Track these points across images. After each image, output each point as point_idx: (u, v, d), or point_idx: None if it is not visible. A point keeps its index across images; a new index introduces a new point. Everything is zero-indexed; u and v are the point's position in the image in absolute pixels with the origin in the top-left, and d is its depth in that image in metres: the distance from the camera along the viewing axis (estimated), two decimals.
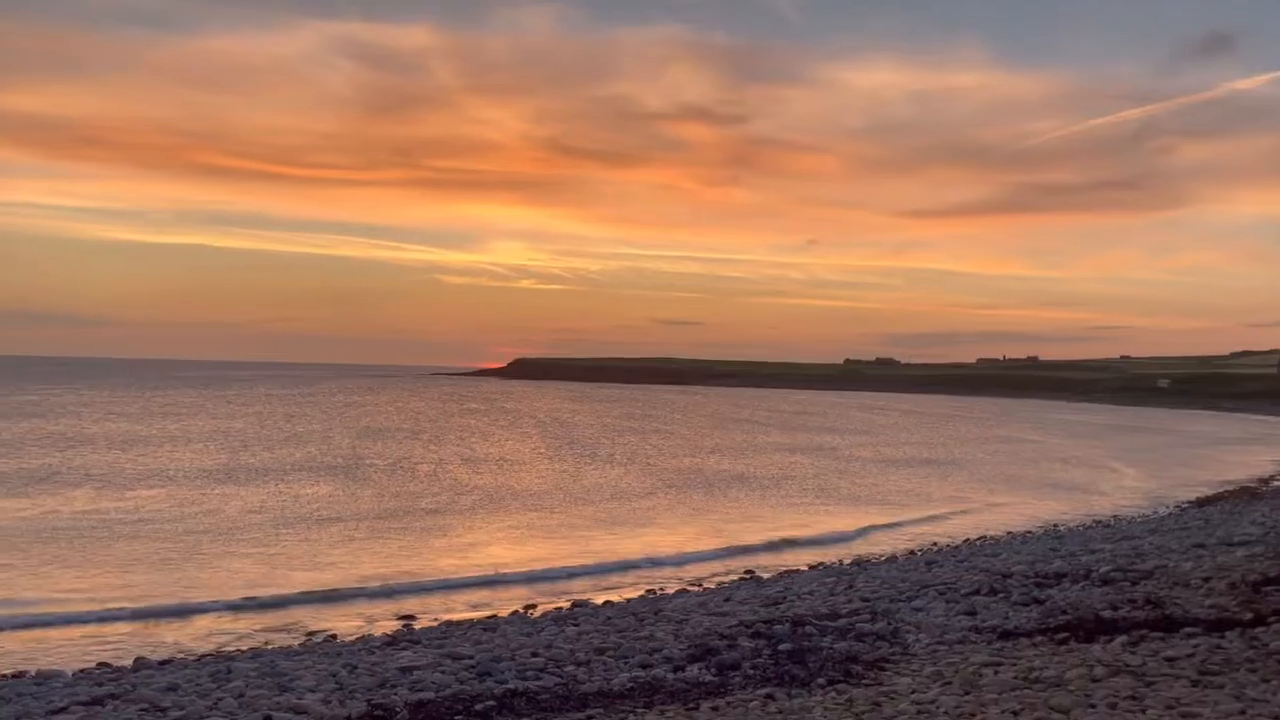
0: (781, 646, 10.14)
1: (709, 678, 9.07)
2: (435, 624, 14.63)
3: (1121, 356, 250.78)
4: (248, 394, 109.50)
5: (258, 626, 14.78)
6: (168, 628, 14.50)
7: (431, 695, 8.70)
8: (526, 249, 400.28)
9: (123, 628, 14.48)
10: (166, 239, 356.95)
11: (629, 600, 16.51)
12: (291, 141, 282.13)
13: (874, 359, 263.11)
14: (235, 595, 16.60)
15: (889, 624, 11.19)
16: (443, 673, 9.67)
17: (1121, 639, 9.60)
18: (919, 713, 7.39)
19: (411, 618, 15.64)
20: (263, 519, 24.90)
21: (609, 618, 13.36)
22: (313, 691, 8.98)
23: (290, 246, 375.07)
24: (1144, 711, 7.20)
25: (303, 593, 17.04)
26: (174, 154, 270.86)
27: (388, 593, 17.36)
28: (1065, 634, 10.02)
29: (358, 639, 13.26)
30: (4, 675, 11.50)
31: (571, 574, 19.72)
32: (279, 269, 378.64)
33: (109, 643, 13.65)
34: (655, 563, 21.11)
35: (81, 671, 11.58)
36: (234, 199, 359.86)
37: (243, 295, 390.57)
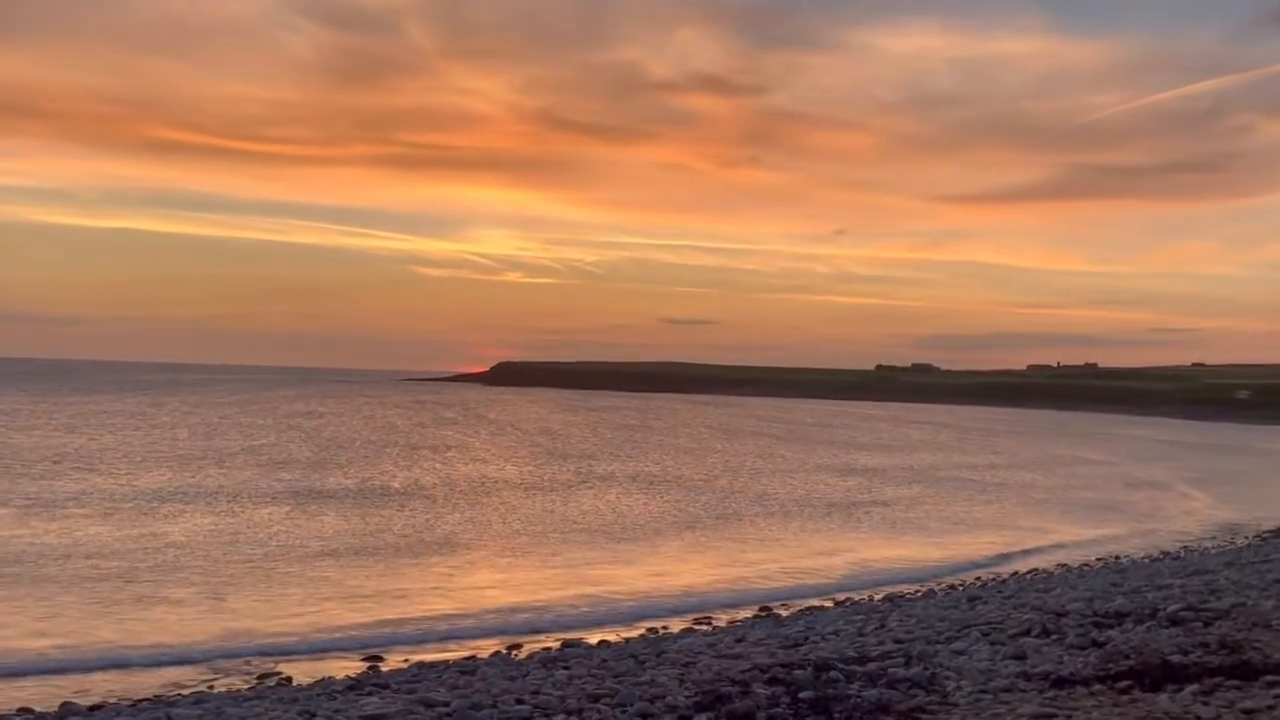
0: (802, 694, 10.13)
1: None
2: (405, 665, 14.71)
3: (1194, 364, 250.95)
4: (193, 401, 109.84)
5: (203, 668, 14.80)
6: (102, 675, 14.46)
7: None
8: (514, 237, 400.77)
9: (50, 672, 14.47)
10: (101, 222, 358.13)
11: (627, 640, 16.55)
12: (245, 112, 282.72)
13: (910, 365, 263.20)
14: (178, 634, 16.63)
15: (926, 669, 11.18)
16: None
17: (1192, 688, 9.57)
18: None
19: (378, 658, 15.69)
20: (210, 547, 24.93)
21: (604, 660, 13.38)
22: None
23: (243, 233, 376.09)
24: None
25: (254, 630, 17.07)
26: (111, 126, 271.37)
27: (351, 630, 17.37)
28: (1128, 682, 9.99)
29: (316, 683, 13.33)
30: None
31: (562, 609, 19.77)
32: (230, 258, 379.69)
33: (29, 688, 13.62)
34: (658, 597, 21.16)
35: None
36: (180, 177, 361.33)
37: (189, 288, 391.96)
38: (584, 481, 43.89)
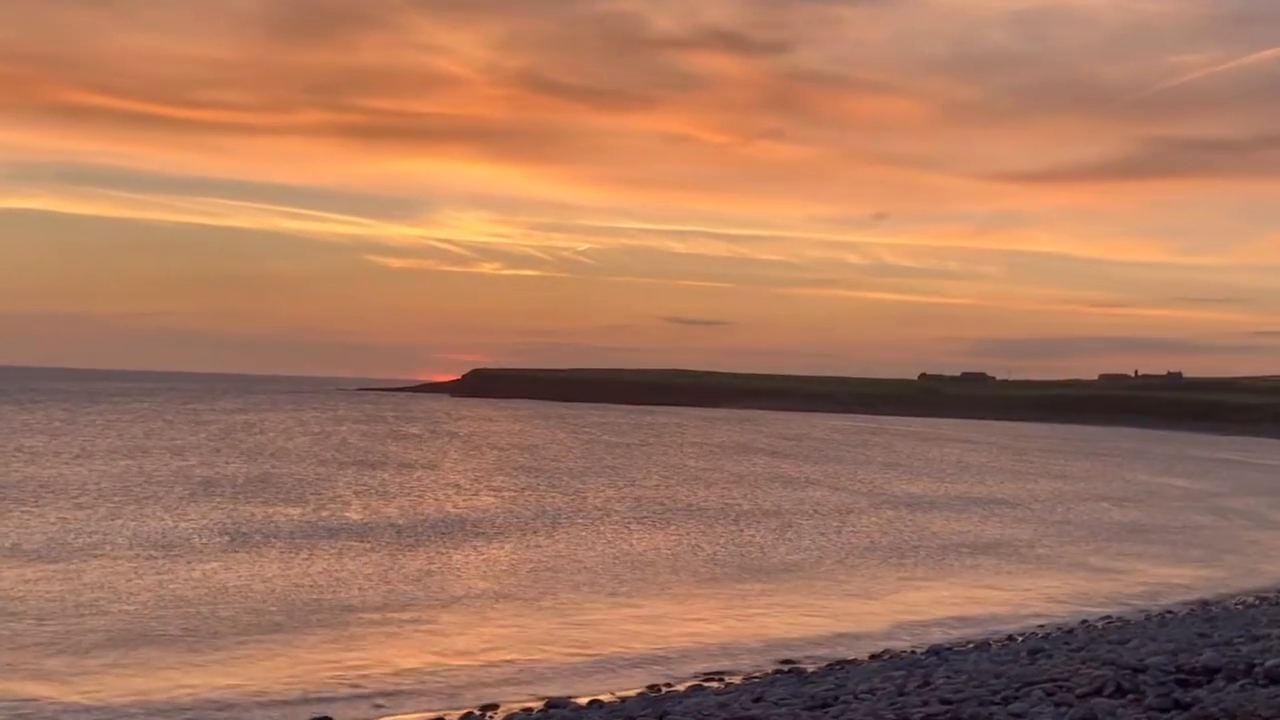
0: None
1: None
2: None
3: None
4: (109, 414, 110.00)
5: None
6: None
7: None
8: (490, 221, 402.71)
9: None
10: (2, 202, 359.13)
11: (624, 700, 16.59)
12: (173, 72, 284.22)
13: (959, 374, 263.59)
14: (89, 704, 16.59)
15: None
16: None
17: None
18: None
19: None
20: (120, 598, 24.80)
21: None
22: None
23: (170, 215, 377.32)
24: None
25: (181, 701, 17.00)
26: (13, 87, 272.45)
27: (301, 699, 17.30)
28: None
29: None
30: None
31: (547, 662, 19.86)
32: (155, 245, 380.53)
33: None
34: (661, 648, 21.27)
35: None
36: (95, 149, 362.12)
37: (105, 281, 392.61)
38: (575, 511, 44.01)
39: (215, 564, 29.04)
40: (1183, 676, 13.96)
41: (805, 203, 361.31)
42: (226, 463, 59.65)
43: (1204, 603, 27.83)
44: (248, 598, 24.88)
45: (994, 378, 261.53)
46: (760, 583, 29.60)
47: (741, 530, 40.38)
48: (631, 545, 35.51)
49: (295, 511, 40.40)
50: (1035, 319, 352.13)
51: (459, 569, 29.99)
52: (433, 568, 29.91)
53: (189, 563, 29.04)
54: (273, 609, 23.86)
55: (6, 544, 30.34)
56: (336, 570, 28.86)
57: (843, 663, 19.91)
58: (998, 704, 13.09)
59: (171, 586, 25.65)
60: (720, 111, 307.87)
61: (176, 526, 35.30)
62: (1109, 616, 25.72)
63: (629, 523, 41.04)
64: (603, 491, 52.11)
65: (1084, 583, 31.67)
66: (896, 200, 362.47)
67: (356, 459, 66.80)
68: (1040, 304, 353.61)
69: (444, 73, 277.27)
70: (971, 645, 21.40)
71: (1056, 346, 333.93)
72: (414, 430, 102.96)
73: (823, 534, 40.24)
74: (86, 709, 16.20)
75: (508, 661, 19.87)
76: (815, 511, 47.49)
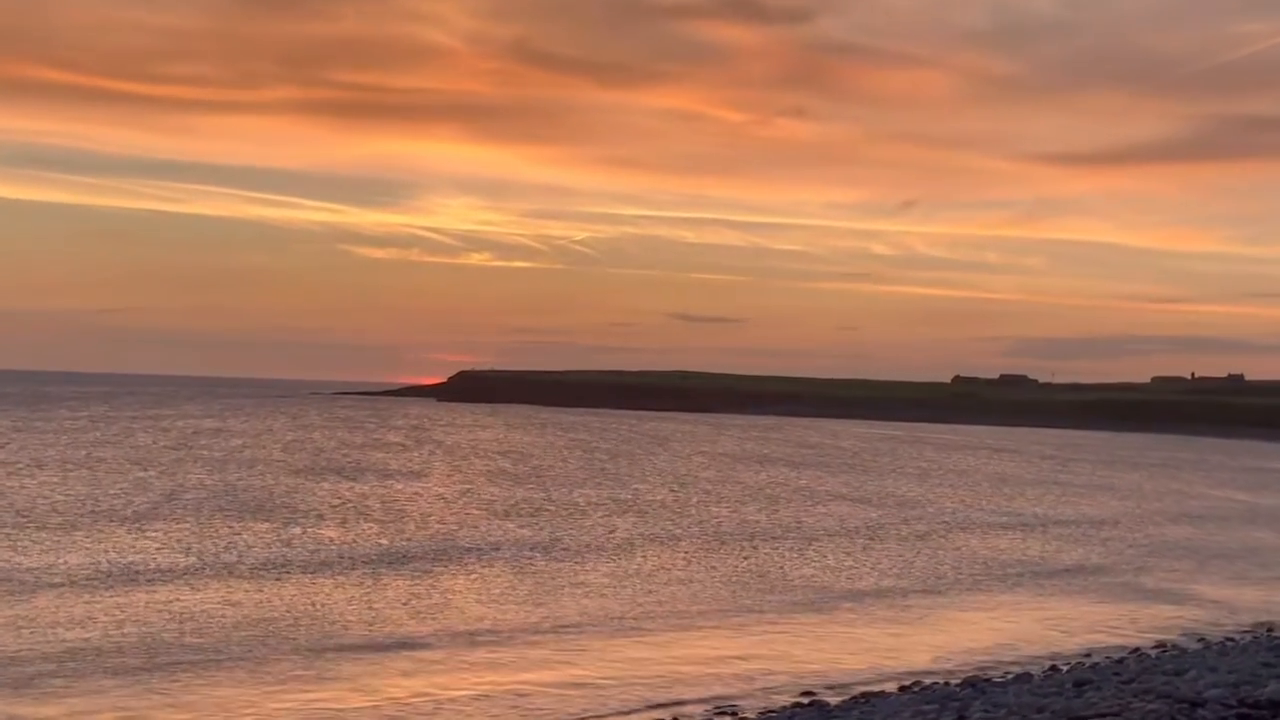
0: None
1: None
2: None
3: None
4: (62, 420, 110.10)
5: None
6: None
7: None
8: (479, 208, 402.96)
9: None
10: None
11: None
12: (132, 44, 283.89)
13: (997, 376, 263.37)
14: None
15: None
16: None
17: None
18: None
19: None
20: (75, 624, 24.62)
21: None
22: None
23: (128, 201, 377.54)
24: None
25: None
26: None
27: None
28: None
29: None
30: None
31: (543, 697, 19.83)
32: (111, 235, 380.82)
33: None
34: (669, 677, 21.35)
35: None
36: (45, 129, 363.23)
37: (58, 273, 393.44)
38: (575, 528, 44.02)
39: (176, 587, 29.03)
40: (1245, 711, 13.94)
41: (827, 187, 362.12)
42: (188, 474, 59.74)
43: (1268, 629, 27.70)
44: (213, 624, 24.91)
45: (1036, 381, 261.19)
46: (780, 607, 29.64)
47: (759, 549, 40.41)
48: (638, 565, 35.55)
49: (259, 526, 40.55)
50: (1082, 316, 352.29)
51: (446, 594, 29.94)
52: (417, 591, 29.89)
53: (149, 586, 28.99)
54: (241, 637, 23.83)
55: None
56: (312, 595, 28.92)
57: (869, 695, 19.90)
58: None
59: (130, 611, 25.68)
60: (734, 87, 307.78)
61: (134, 545, 35.35)
62: (1163, 644, 25.70)
63: (634, 541, 41.05)
64: (604, 506, 52.11)
65: (1136, 607, 31.59)
66: (928, 185, 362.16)
67: (331, 468, 66.74)
68: (1088, 299, 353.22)
69: (428, 43, 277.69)
70: (1011, 676, 21.35)
71: (1105, 346, 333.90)
72: (395, 439, 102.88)
73: (848, 553, 40.24)
74: None
75: (502, 694, 19.89)
76: (839, 529, 47.49)
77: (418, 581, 31.30)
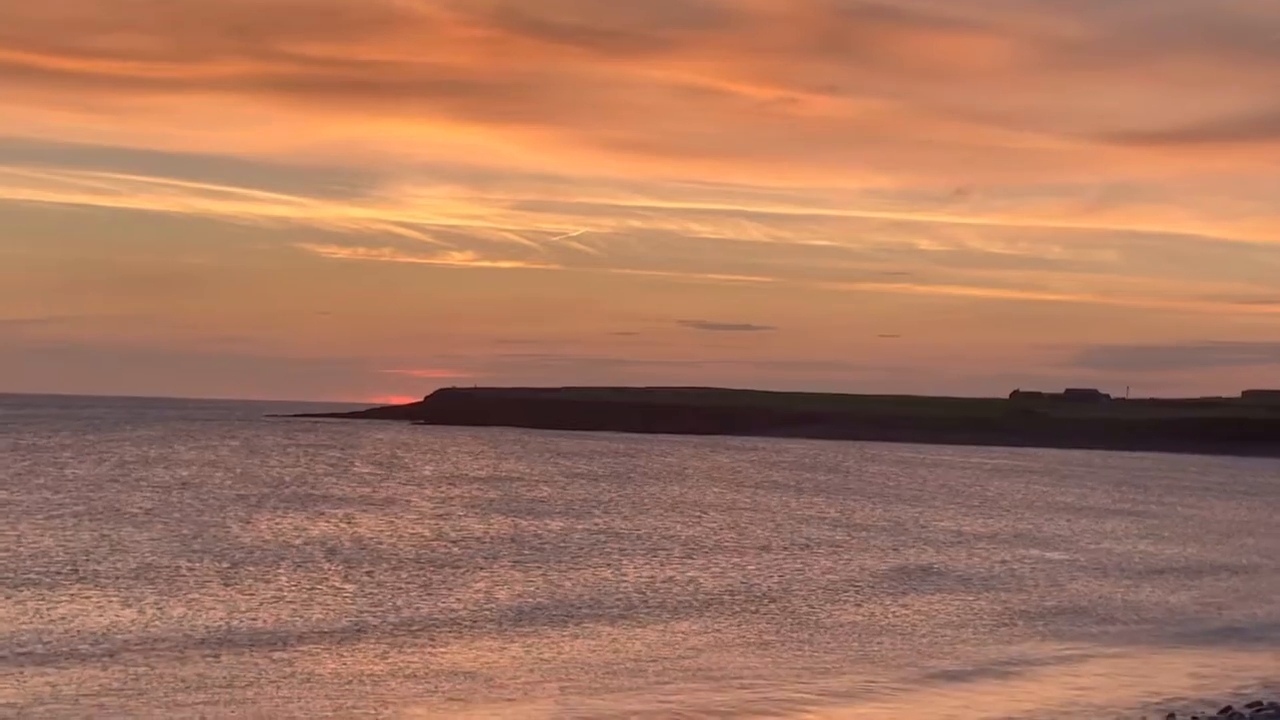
0: None
1: None
2: None
3: None
4: None
5: None
6: None
7: None
8: (460, 199, 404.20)
9: None
10: None
11: None
12: (57, 14, 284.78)
13: (1063, 390, 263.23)
14: None
15: None
16: None
17: None
18: None
19: None
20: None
21: None
22: None
23: (51, 194, 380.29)
24: None
25: None
26: None
27: None
28: None
29: None
30: None
31: None
32: (31, 233, 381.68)
33: None
34: None
35: None
36: None
37: None
38: (580, 587, 43.06)
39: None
40: None
41: (865, 173, 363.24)
42: (122, 505, 59.68)
43: None
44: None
45: (1108, 396, 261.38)
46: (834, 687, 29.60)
47: (792, 607, 40.43)
48: (674, 634, 34.91)
49: (205, 569, 41.00)
50: (1162, 320, 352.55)
51: (434, 663, 29.61)
52: (381, 670, 29.08)
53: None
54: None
55: None
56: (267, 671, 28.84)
57: None
58: None
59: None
60: (755, 56, 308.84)
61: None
62: (1258, 705, 25.68)
63: (659, 608, 39.60)
64: (626, 561, 50.21)
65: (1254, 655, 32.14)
66: (982, 169, 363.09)
67: (299, 499, 66.67)
68: (1168, 300, 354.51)
69: (400, 9, 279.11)
70: None
71: (1190, 355, 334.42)
72: (365, 470, 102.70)
73: (901, 604, 40.51)
74: None
75: None
76: (896, 567, 47.78)
77: (384, 659, 31.15)
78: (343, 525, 57.17)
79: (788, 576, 45.05)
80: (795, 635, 33.74)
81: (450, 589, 39.34)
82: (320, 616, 33.79)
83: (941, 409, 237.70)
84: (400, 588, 39.22)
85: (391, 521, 60.14)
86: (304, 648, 29.50)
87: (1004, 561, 52.21)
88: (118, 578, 38.88)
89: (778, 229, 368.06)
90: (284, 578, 40.18)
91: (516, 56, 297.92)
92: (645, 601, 38.38)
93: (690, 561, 48.29)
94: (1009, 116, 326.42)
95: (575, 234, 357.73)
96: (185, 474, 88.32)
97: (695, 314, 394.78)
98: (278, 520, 58.28)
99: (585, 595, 39.26)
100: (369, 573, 42.07)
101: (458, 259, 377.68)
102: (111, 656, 27.58)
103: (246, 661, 27.69)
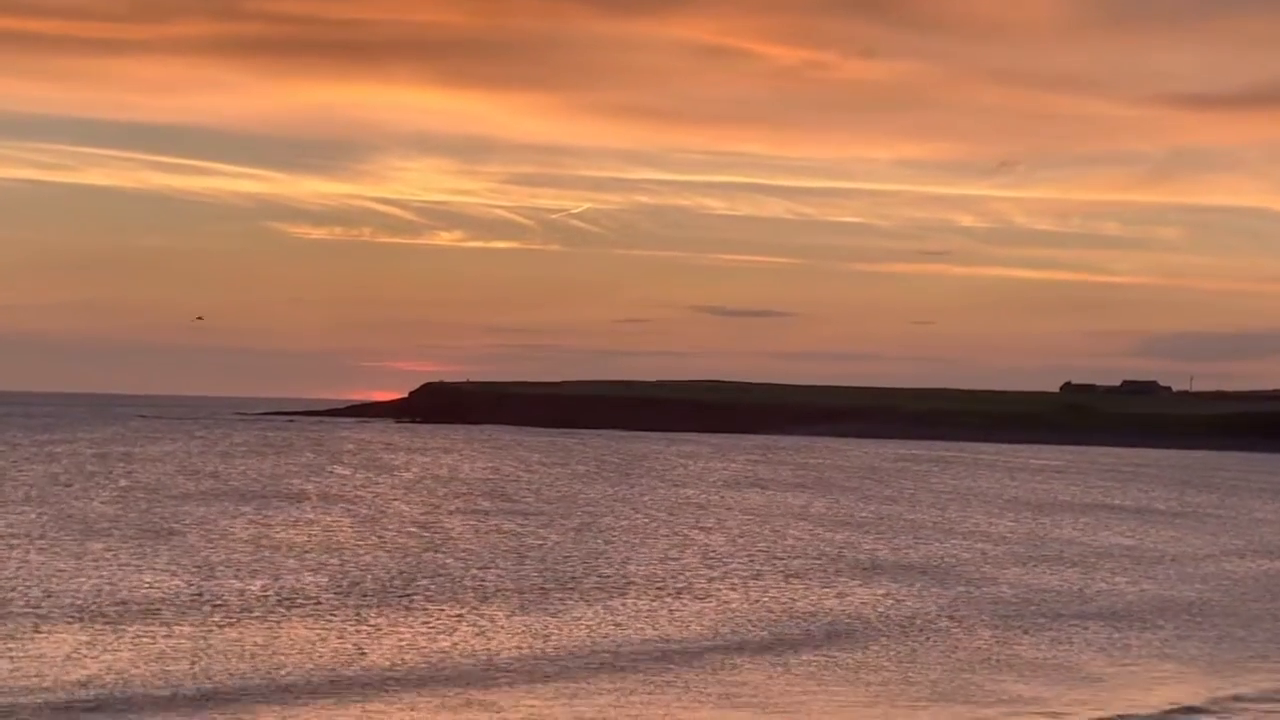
0: None
1: None
2: None
3: None
4: None
5: None
6: None
7: None
8: (449, 172, 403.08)
9: None
10: None
11: None
12: None
13: (1119, 383, 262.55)
14: None
15: None
16: None
17: None
18: None
19: None
20: None
21: None
22: None
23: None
24: None
25: None
26: None
27: None
28: None
29: None
30: None
31: None
32: None
33: None
34: None
35: None
36: None
37: None
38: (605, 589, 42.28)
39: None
40: None
41: (898, 142, 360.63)
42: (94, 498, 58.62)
43: None
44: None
45: (1170, 389, 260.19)
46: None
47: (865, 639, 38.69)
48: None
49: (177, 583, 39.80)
50: (1229, 304, 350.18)
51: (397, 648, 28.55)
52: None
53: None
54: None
55: None
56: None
57: None
58: None
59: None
60: (777, 13, 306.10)
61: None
62: None
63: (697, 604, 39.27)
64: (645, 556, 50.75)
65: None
66: (1029, 138, 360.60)
67: (249, 495, 66.82)
68: (1236, 282, 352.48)
69: None
70: None
71: (1260, 343, 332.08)
72: (342, 469, 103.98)
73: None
74: None
75: None
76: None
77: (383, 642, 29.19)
78: (338, 505, 56.61)
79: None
80: None
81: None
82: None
83: (985, 404, 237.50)
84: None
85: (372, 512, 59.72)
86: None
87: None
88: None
89: (801, 204, 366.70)
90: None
91: (512, 13, 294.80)
92: None
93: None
94: (1060, 79, 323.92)
95: (577, 211, 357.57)
96: (124, 484, 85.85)
97: (710, 300, 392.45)
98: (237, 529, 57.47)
99: None
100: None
101: (445, 239, 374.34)
102: None
103: None
